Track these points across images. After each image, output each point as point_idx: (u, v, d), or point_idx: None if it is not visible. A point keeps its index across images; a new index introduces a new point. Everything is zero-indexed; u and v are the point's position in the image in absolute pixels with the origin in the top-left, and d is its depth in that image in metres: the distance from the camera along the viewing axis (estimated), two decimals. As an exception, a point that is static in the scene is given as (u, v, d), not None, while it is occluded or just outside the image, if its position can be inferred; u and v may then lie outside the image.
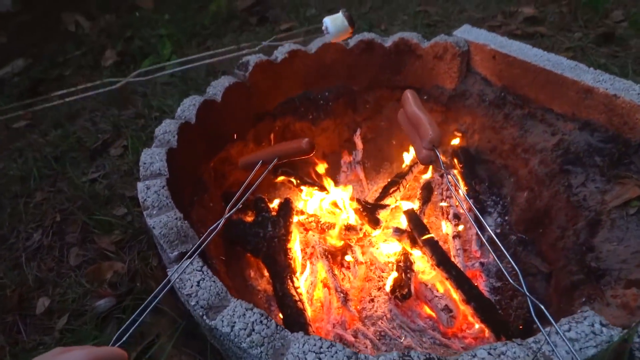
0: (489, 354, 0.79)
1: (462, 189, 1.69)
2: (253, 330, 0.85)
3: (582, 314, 0.83)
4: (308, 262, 1.54)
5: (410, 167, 1.75)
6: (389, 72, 1.80)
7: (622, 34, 1.93)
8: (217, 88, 1.55)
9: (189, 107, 1.46)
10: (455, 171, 1.75)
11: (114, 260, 1.19)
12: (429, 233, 1.42)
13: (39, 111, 1.77)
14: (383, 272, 1.48)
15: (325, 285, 1.48)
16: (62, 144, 1.57)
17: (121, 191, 1.38)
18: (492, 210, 1.66)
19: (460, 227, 1.58)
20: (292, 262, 1.47)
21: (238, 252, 1.56)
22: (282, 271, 1.43)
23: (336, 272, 1.49)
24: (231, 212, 0.98)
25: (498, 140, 1.69)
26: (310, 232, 1.61)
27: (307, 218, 1.62)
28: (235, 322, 0.86)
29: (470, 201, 1.62)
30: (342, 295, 1.40)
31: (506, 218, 1.62)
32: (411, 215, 1.47)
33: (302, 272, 1.51)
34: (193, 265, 0.96)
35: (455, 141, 1.81)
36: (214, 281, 0.94)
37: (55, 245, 1.25)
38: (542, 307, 0.77)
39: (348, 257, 1.52)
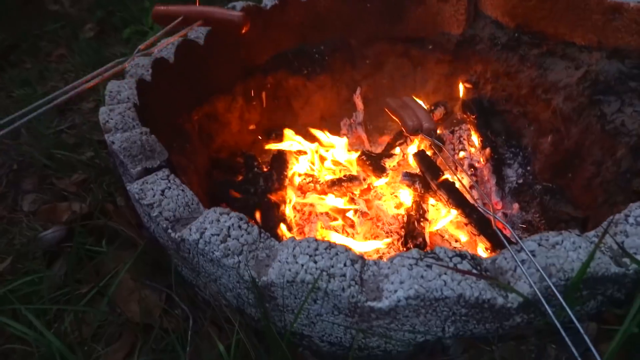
0: (540, 245, 0.59)
1: (477, 140, 1.51)
2: (229, 236, 0.66)
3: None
4: (306, 224, 1.36)
5: (436, 133, 1.57)
6: (389, 22, 1.65)
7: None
8: (200, 31, 1.40)
9: (166, 47, 1.29)
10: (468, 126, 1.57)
11: (73, 201, 1.01)
12: (444, 175, 1.23)
13: (8, 77, 1.61)
14: (391, 225, 1.29)
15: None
16: (28, 100, 1.40)
17: (89, 136, 1.20)
18: (512, 162, 1.47)
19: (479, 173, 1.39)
20: (286, 217, 1.28)
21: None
22: (274, 226, 1.24)
23: (338, 230, 1.29)
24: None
25: (514, 87, 1.52)
26: (308, 193, 1.43)
27: (305, 179, 1.44)
28: (206, 228, 0.66)
29: (486, 150, 1.45)
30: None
31: (528, 168, 1.43)
32: (422, 156, 1.28)
33: (300, 232, 1.32)
34: (157, 175, 0.78)
35: (465, 95, 1.64)
36: (182, 190, 0.75)
37: (9, 193, 1.07)
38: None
39: (351, 213, 1.33)
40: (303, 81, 1.66)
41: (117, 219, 0.87)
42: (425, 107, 1.14)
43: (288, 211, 1.30)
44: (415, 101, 1.20)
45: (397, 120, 1.15)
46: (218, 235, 0.65)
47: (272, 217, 1.27)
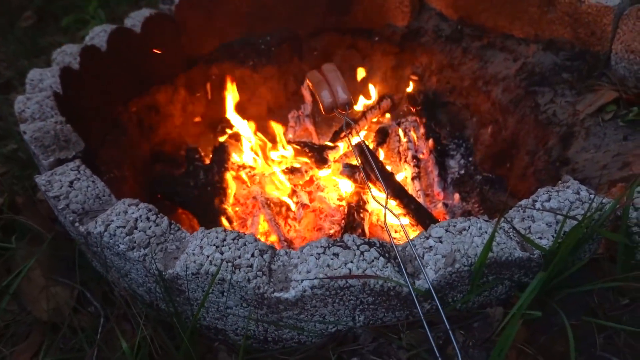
0: (447, 231, 0.59)
1: (420, 131, 1.52)
2: (135, 228, 0.63)
3: (564, 183, 0.65)
4: (249, 217, 1.33)
5: (364, 112, 1.57)
6: (337, 13, 1.64)
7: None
8: (136, 19, 1.35)
9: (99, 34, 1.24)
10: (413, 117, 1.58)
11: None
12: (383, 166, 1.23)
13: None
14: (334, 217, 1.28)
15: (267, 238, 1.27)
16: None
17: (16, 128, 1.14)
18: (455, 153, 1.49)
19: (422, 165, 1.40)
20: (227, 210, 1.26)
21: (166, 207, 1.33)
22: (215, 219, 1.22)
23: (280, 222, 1.28)
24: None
25: (457, 79, 1.53)
26: (252, 186, 1.40)
27: (248, 171, 1.42)
28: (112, 221, 0.64)
29: (430, 142, 1.46)
30: (285, 244, 1.19)
31: (470, 159, 1.45)
32: (361, 148, 1.28)
33: (242, 225, 1.30)
34: (68, 166, 0.74)
35: (410, 87, 1.65)
36: (92, 181, 0.72)
37: None
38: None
39: (292, 205, 1.32)
40: (249, 72, 1.63)
41: (26, 213, 0.83)
42: (342, 78, 1.13)
43: (228, 203, 1.28)
44: (336, 72, 1.17)
45: (316, 96, 1.14)
46: (124, 227, 0.62)
47: (212, 210, 1.25)
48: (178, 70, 1.49)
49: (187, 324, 0.65)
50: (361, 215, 1.20)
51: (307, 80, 1.14)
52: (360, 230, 1.16)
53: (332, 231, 1.25)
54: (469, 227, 0.59)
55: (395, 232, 1.25)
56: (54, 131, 0.82)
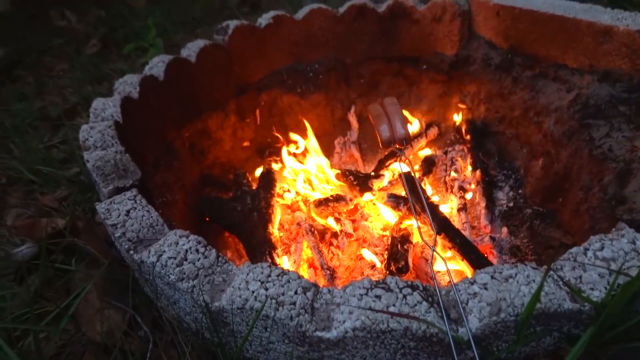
0: (493, 278, 0.58)
1: (468, 161, 1.50)
2: (185, 259, 0.66)
3: (619, 231, 0.63)
4: (292, 243, 1.35)
5: (410, 141, 1.57)
6: (384, 42, 1.65)
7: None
8: (192, 49, 1.42)
9: (157, 64, 1.32)
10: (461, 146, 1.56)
11: (55, 217, 1.02)
12: (429, 198, 1.22)
13: (6, 91, 1.65)
14: (377, 247, 1.28)
15: (311, 265, 1.28)
16: (24, 114, 1.43)
17: (79, 152, 1.22)
18: (504, 185, 1.45)
19: (469, 196, 1.38)
20: (272, 237, 1.28)
21: (213, 230, 1.37)
22: (260, 246, 1.24)
23: (323, 249, 1.29)
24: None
25: (507, 108, 1.51)
26: (296, 212, 1.43)
27: (295, 197, 1.44)
28: (164, 251, 0.67)
29: (477, 172, 1.44)
30: (328, 272, 1.20)
31: (520, 191, 1.41)
32: (408, 178, 1.27)
33: (285, 251, 1.31)
34: (125, 195, 0.79)
35: (458, 115, 1.63)
36: (147, 211, 0.76)
37: (-5, 207, 1.09)
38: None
39: (337, 234, 1.32)
40: (297, 99, 1.67)
41: (85, 237, 0.88)
42: (402, 113, 1.14)
43: (274, 230, 1.30)
44: (395, 105, 1.18)
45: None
46: (175, 258, 0.65)
47: (258, 235, 1.28)
48: (229, 97, 1.55)
49: (231, 355, 0.66)
50: (405, 247, 1.19)
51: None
52: (403, 263, 1.15)
53: (375, 261, 1.25)
54: (515, 274, 0.58)
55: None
56: (114, 160, 0.87)
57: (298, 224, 1.37)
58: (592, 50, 1.25)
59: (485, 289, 0.57)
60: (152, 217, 0.75)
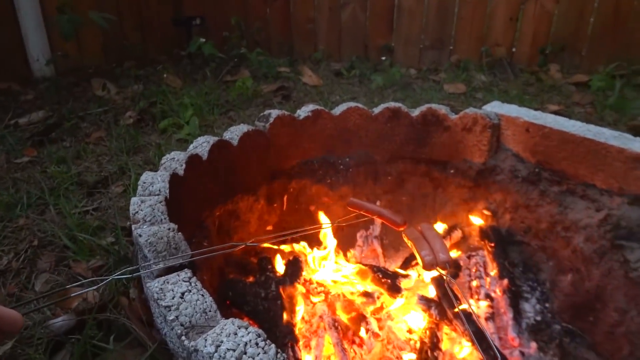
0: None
1: (492, 269, 1.49)
2: (245, 353, 0.63)
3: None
4: (313, 337, 1.30)
5: (452, 266, 1.57)
6: (414, 144, 1.72)
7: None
8: (235, 133, 1.47)
9: (202, 144, 1.36)
10: (485, 252, 1.57)
11: (86, 288, 0.99)
12: (462, 304, 1.20)
13: (46, 153, 1.69)
14: (402, 350, 1.23)
15: (331, 364, 1.22)
16: (61, 178, 1.45)
17: (114, 221, 1.22)
18: (530, 296, 1.44)
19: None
20: (295, 328, 1.24)
21: (233, 315, 1.33)
22: (282, 337, 1.20)
23: (346, 346, 1.24)
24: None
25: (533, 220, 1.53)
26: (318, 303, 1.39)
27: (316, 287, 1.42)
28: (222, 342, 0.64)
29: (504, 281, 1.43)
30: (351, 373, 1.15)
31: (547, 305, 1.39)
32: (440, 282, 1.26)
33: (306, 346, 1.26)
34: (180, 276, 0.77)
35: (480, 220, 1.65)
36: (202, 295, 0.74)
37: (24, 269, 1.06)
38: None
39: (362, 331, 1.28)
40: (325, 190, 1.70)
41: (130, 315, 0.85)
42: (441, 238, 1.16)
43: (297, 320, 1.26)
44: (433, 230, 1.21)
45: (414, 252, 1.16)
46: (234, 350, 0.63)
47: (279, 326, 1.23)
48: (262, 182, 1.58)
49: None
50: (434, 353, 1.15)
51: (405, 236, 1.21)
52: (434, 371, 1.10)
53: (401, 366, 1.20)
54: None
55: (470, 377, 1.18)
56: (167, 238, 0.87)
57: (320, 317, 1.33)
58: (622, 174, 1.30)
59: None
60: (206, 301, 0.73)
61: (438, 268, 1.07)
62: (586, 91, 2.48)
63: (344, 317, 1.31)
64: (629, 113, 2.02)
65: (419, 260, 1.12)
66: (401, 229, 1.21)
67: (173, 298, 0.72)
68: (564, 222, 1.42)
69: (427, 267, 1.08)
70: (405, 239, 1.20)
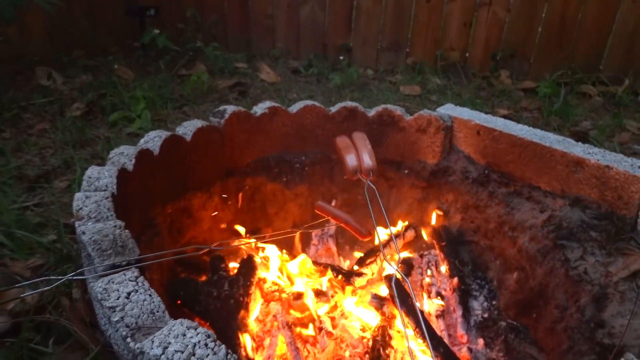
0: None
1: (443, 267, 1.53)
2: (193, 354, 0.61)
3: (627, 361, 0.65)
4: (267, 336, 1.29)
5: (389, 240, 1.60)
6: (370, 143, 1.74)
7: (595, 136, 1.98)
8: (188, 128, 1.43)
9: (153, 139, 1.31)
10: (436, 251, 1.61)
11: (25, 288, 0.93)
12: (414, 302, 1.22)
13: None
14: (355, 348, 1.24)
15: (284, 363, 1.22)
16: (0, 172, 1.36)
17: (56, 218, 1.15)
18: (478, 294, 1.48)
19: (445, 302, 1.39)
20: (248, 328, 1.22)
21: (183, 315, 1.29)
22: (235, 338, 1.17)
23: (299, 345, 1.23)
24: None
25: (482, 220, 1.59)
26: (272, 303, 1.38)
27: (270, 287, 1.40)
28: (170, 343, 0.62)
29: (455, 280, 1.47)
30: (304, 372, 1.14)
31: (494, 302, 1.44)
32: (392, 280, 1.27)
33: (259, 346, 1.25)
34: (126, 275, 0.74)
35: (435, 221, 1.69)
36: (149, 295, 0.71)
37: (-47, 270, 0.99)
38: None
39: (315, 330, 1.28)
40: (281, 188, 1.69)
41: (72, 317, 0.81)
42: (370, 147, 1.15)
43: (250, 321, 1.24)
44: (364, 140, 1.20)
45: (341, 158, 1.16)
46: (182, 352, 0.61)
47: (232, 326, 1.21)
48: (216, 179, 1.54)
49: None
50: (387, 352, 1.16)
51: (336, 143, 1.18)
52: (385, 368, 1.11)
53: (353, 364, 1.20)
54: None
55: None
56: (113, 235, 0.83)
57: (274, 316, 1.32)
58: (564, 177, 1.37)
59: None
60: (154, 302, 0.70)
61: (362, 175, 1.06)
62: (534, 97, 2.60)
63: (297, 316, 1.31)
64: (572, 119, 2.13)
65: (343, 167, 1.11)
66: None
67: (118, 298, 0.69)
68: (511, 222, 1.47)
69: (350, 172, 1.07)
70: (337, 146, 1.18)
